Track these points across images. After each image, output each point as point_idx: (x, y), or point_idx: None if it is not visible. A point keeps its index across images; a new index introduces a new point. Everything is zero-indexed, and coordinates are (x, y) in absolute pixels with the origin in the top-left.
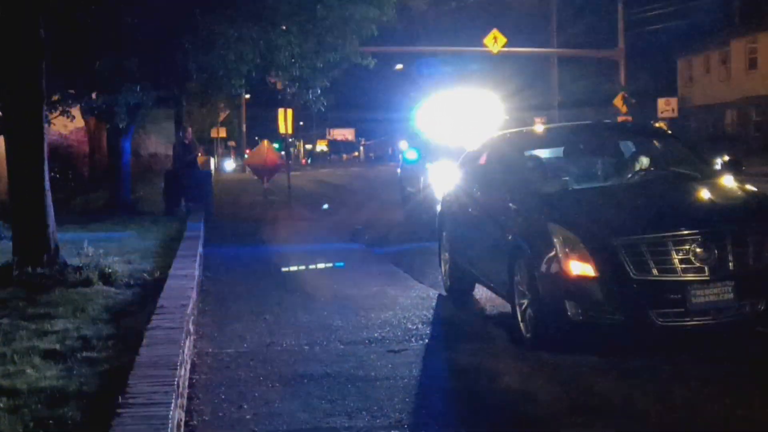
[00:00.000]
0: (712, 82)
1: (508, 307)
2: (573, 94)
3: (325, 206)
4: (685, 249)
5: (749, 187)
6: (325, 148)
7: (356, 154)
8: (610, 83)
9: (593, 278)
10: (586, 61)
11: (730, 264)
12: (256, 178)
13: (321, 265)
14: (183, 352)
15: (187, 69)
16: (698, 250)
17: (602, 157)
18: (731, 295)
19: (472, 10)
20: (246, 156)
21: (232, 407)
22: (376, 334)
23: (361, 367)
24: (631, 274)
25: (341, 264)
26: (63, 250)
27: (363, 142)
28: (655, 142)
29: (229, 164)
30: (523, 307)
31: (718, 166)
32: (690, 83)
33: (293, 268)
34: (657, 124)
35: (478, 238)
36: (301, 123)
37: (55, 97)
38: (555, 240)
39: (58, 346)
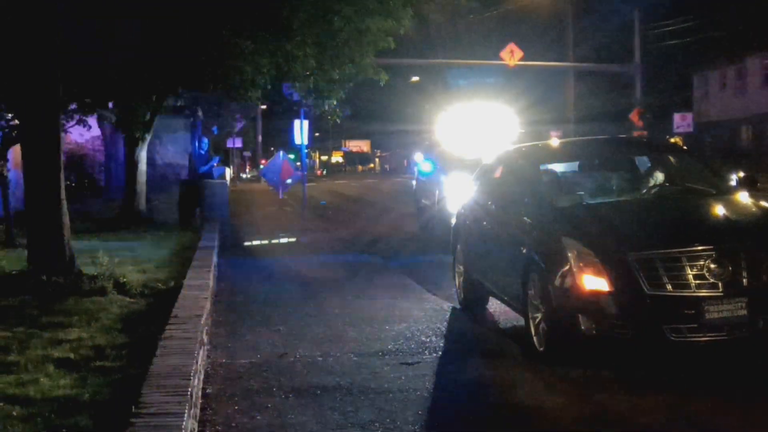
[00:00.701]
0: (727, 97)
1: (521, 321)
2: (589, 109)
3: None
4: (699, 265)
5: (764, 203)
6: (340, 160)
7: (371, 165)
8: (626, 98)
9: (607, 293)
10: (602, 75)
11: (744, 280)
12: (271, 188)
13: (335, 276)
14: (196, 362)
15: (203, 80)
16: (712, 265)
17: (617, 172)
18: (745, 312)
19: (489, 23)
20: (261, 166)
21: (245, 418)
22: (389, 346)
23: (375, 379)
24: (645, 289)
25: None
26: (78, 258)
27: (378, 154)
28: (670, 157)
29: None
30: (537, 320)
31: (732, 182)
32: (705, 98)
33: (307, 279)
34: (672, 140)
35: (492, 252)
36: (317, 134)
37: (72, 106)
38: (569, 254)
39: (71, 355)
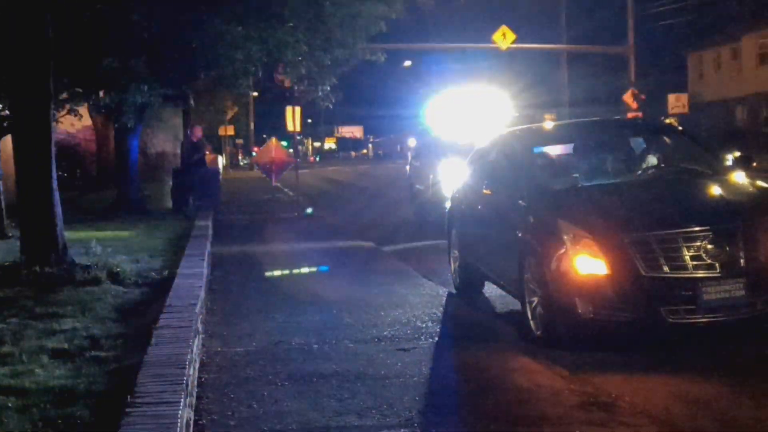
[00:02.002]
0: (722, 77)
1: (518, 305)
2: (583, 91)
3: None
4: (696, 246)
5: (760, 183)
6: (333, 146)
7: (365, 151)
8: (620, 80)
9: (604, 275)
10: (596, 57)
11: (741, 260)
12: (264, 176)
13: (329, 263)
14: (192, 351)
15: (194, 67)
16: (709, 246)
17: (612, 154)
18: (742, 292)
19: (481, 6)
20: (254, 154)
21: (242, 406)
22: (385, 333)
23: (371, 365)
24: (642, 271)
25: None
26: (71, 248)
27: (371, 140)
28: (665, 138)
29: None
30: (534, 304)
31: (728, 163)
32: (700, 79)
33: (301, 266)
34: (667, 121)
35: (487, 236)
36: (309, 120)
37: (63, 96)
38: (565, 237)
39: (66, 345)
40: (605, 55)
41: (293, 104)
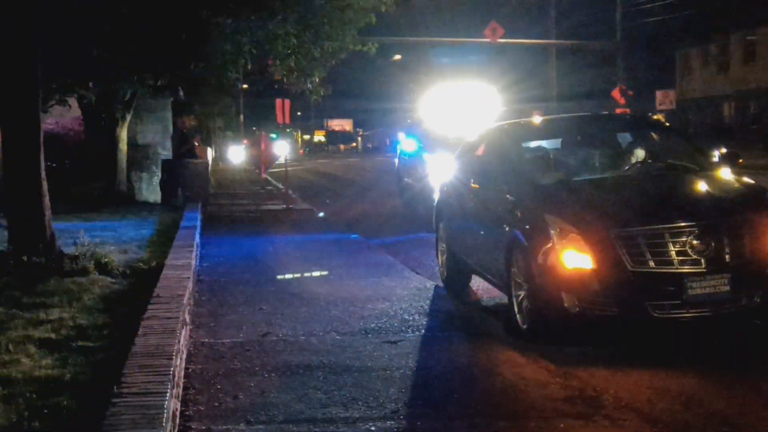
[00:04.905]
0: (710, 74)
1: (505, 299)
2: (571, 86)
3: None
4: (682, 241)
5: (746, 179)
6: (322, 139)
7: (354, 144)
8: (609, 76)
9: (590, 270)
10: (585, 53)
11: (727, 256)
12: (253, 168)
13: (317, 255)
14: (179, 341)
15: (183, 59)
16: (695, 242)
17: (600, 149)
18: (727, 288)
19: (470, 0)
20: (243, 146)
21: (228, 397)
22: (372, 325)
23: (358, 357)
24: (628, 265)
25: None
26: (59, 239)
27: (361, 133)
28: (652, 134)
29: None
30: (520, 298)
31: (715, 159)
32: (688, 75)
33: (289, 258)
34: (655, 117)
35: (475, 230)
36: (299, 113)
37: (52, 86)
38: (552, 231)
39: (53, 335)
40: (594, 51)
41: (283, 97)
